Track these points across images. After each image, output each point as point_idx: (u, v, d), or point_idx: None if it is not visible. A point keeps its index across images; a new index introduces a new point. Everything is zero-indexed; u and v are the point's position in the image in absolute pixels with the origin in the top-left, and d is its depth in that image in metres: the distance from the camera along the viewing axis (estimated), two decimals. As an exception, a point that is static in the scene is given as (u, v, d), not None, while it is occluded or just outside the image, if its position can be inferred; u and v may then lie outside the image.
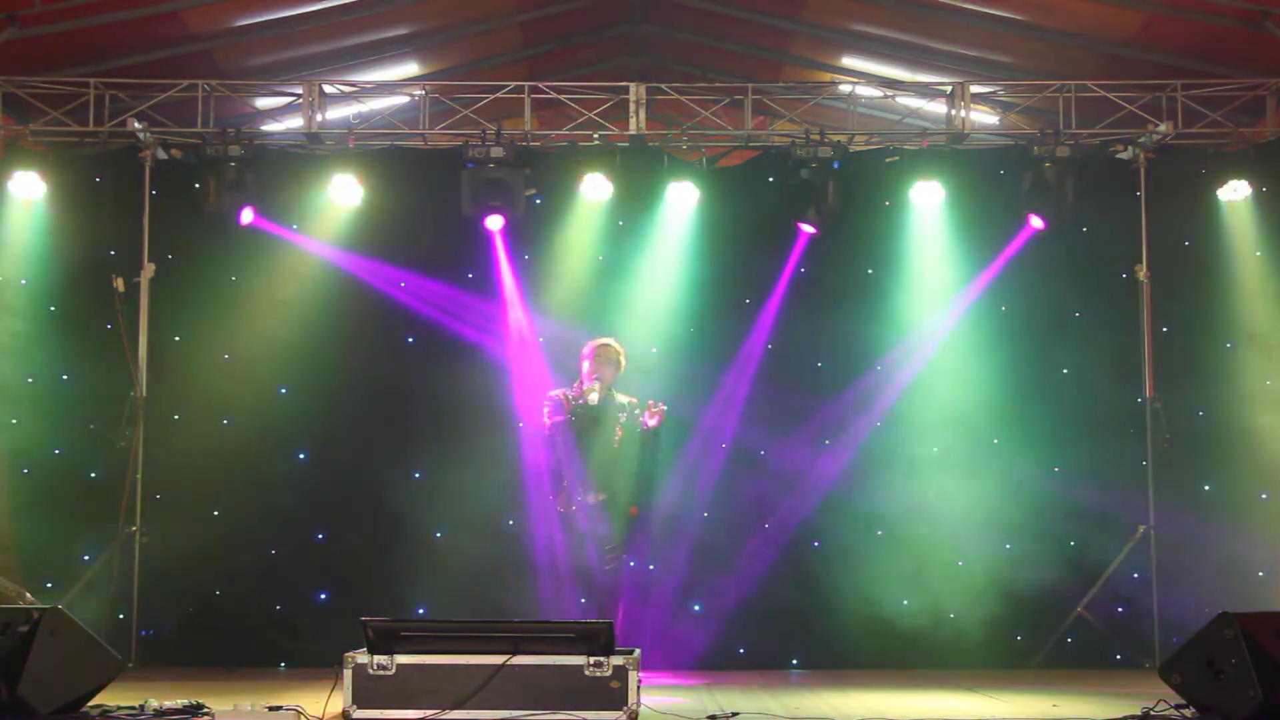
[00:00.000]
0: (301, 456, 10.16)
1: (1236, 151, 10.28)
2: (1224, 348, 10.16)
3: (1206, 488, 10.11)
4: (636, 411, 8.92)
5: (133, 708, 6.70)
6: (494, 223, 10.03)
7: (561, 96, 10.26)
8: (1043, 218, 10.04)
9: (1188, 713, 6.54)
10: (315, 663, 9.03)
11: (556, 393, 9.12)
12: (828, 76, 11.70)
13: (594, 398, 8.81)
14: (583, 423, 8.87)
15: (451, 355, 10.16)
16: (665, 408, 8.86)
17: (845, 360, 10.26)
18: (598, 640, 6.39)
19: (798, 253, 10.22)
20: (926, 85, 10.90)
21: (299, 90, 10.23)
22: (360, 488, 10.09)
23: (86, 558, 9.78)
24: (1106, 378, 10.20)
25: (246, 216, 9.96)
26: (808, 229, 10.06)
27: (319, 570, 10.03)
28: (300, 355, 10.11)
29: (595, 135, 10.25)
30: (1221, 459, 10.07)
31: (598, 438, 8.88)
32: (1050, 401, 10.18)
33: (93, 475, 10.01)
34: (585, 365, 9.02)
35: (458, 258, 10.32)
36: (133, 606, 9.78)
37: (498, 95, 10.22)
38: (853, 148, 10.20)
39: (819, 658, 9.81)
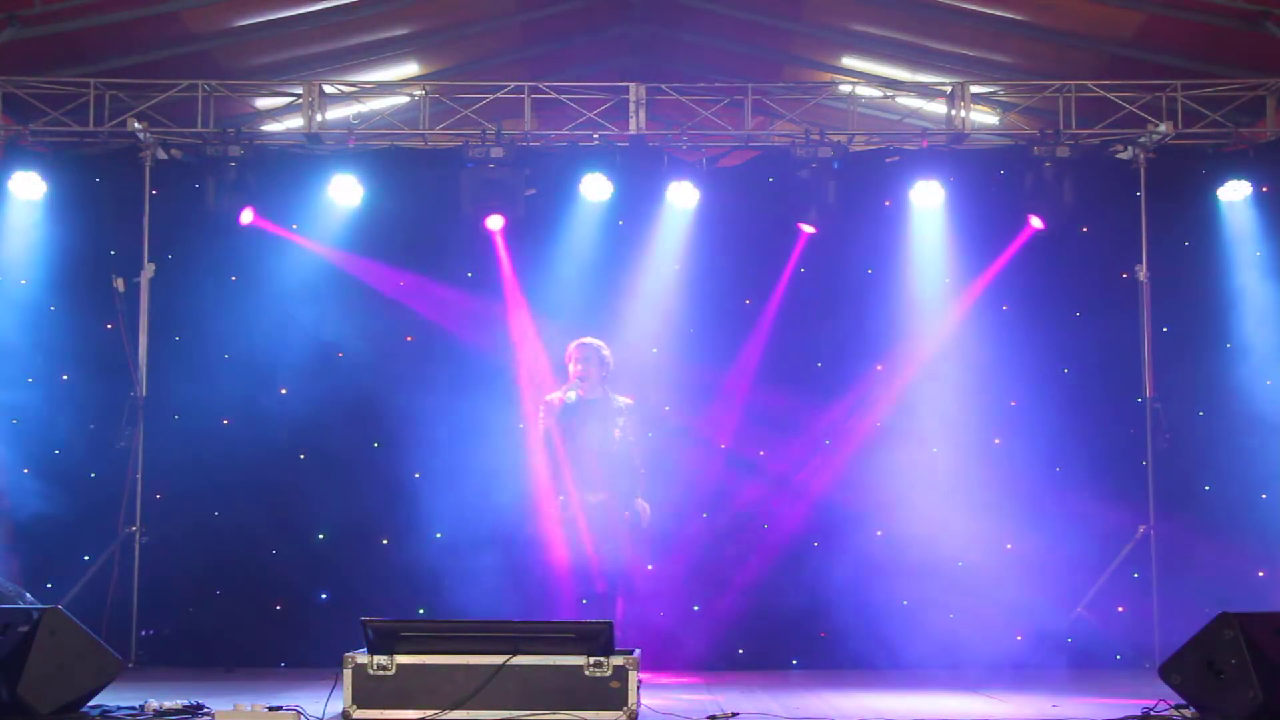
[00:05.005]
0: (301, 456, 10.15)
1: (1236, 151, 10.28)
2: (1224, 348, 10.16)
3: (1206, 488, 10.11)
4: (634, 417, 9.00)
5: (133, 708, 6.70)
6: (494, 223, 10.04)
7: (561, 96, 10.26)
8: (1043, 218, 10.04)
9: (1188, 713, 6.53)
10: (315, 663, 9.02)
11: (551, 396, 9.14)
12: (828, 76, 11.70)
13: (571, 396, 8.88)
14: (573, 423, 8.89)
15: (451, 355, 10.17)
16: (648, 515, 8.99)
17: (845, 361, 10.25)
18: (598, 640, 6.39)
19: (798, 253, 10.23)
20: (926, 85, 10.90)
21: (299, 90, 10.23)
22: (360, 488, 10.08)
23: (86, 558, 9.77)
24: (1106, 378, 10.20)
25: (246, 217, 9.97)
26: (807, 229, 10.06)
27: (319, 570, 10.02)
28: (300, 355, 10.11)
29: (595, 135, 10.25)
30: (1221, 459, 10.06)
31: (592, 437, 8.89)
32: (1051, 401, 10.17)
33: (93, 475, 10.01)
34: (569, 366, 9.10)
35: (458, 258, 10.34)
36: (133, 606, 9.76)
37: (498, 95, 10.22)
38: (853, 148, 10.20)
39: (819, 658, 9.80)
